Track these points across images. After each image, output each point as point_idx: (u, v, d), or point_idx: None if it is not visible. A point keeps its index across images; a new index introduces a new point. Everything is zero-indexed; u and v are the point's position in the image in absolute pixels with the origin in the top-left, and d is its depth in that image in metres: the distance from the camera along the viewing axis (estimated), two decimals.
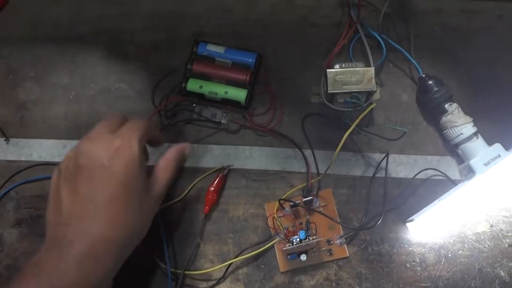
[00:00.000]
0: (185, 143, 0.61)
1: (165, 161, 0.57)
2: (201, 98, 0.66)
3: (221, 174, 0.64)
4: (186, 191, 0.64)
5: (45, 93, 0.69)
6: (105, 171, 0.49)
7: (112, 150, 0.50)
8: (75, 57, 0.70)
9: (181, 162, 0.59)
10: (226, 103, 0.66)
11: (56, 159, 0.66)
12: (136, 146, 0.51)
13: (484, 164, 0.60)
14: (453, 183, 0.64)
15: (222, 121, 0.66)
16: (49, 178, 0.64)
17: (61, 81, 0.69)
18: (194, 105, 0.66)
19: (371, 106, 0.57)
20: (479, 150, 0.61)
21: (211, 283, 0.62)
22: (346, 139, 0.59)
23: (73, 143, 0.66)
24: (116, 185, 0.49)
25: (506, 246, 0.62)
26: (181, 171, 0.65)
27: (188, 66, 0.66)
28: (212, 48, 0.67)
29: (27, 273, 0.47)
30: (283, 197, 0.62)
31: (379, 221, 0.60)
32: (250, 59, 0.66)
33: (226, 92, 0.65)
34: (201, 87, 0.65)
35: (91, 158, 0.50)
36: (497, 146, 0.61)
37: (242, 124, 0.66)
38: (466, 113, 0.62)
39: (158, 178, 0.55)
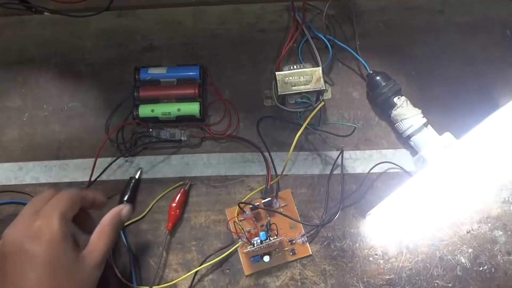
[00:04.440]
0: (122, 205, 0.57)
1: (100, 228, 0.54)
2: (156, 121, 0.67)
3: (182, 190, 0.64)
4: (147, 210, 0.64)
5: None
6: (28, 256, 0.48)
7: (32, 233, 0.49)
8: (27, 79, 0.70)
9: (118, 225, 0.56)
10: (182, 120, 0.67)
11: (13, 182, 0.66)
12: (56, 223, 0.49)
13: (436, 154, 0.62)
14: (409, 174, 0.65)
15: (182, 138, 0.66)
16: (5, 203, 0.64)
17: (14, 104, 0.69)
18: (151, 129, 0.66)
19: (320, 105, 0.58)
20: (430, 140, 0.63)
21: None
22: (301, 139, 0.61)
23: (29, 165, 0.66)
24: (41, 269, 0.48)
25: (465, 232, 0.63)
26: (139, 186, 0.65)
27: (135, 94, 0.66)
28: (154, 71, 0.67)
29: None
30: (242, 201, 0.62)
31: (336, 217, 0.61)
32: (193, 72, 0.67)
33: (179, 110, 0.65)
34: (152, 110, 0.65)
35: (12, 245, 0.49)
36: (447, 135, 0.63)
37: (203, 136, 0.67)
38: (415, 105, 0.64)
39: (94, 247, 0.53)
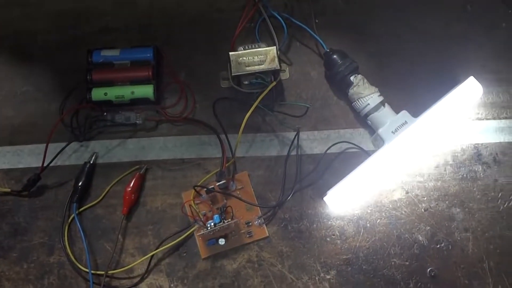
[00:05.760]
0: None
1: None
2: (110, 105, 0.65)
3: (137, 174, 0.63)
4: (103, 194, 0.63)
5: None
6: None
7: None
8: None
9: None
10: (136, 103, 0.66)
11: None
12: None
13: (392, 132, 0.61)
14: (367, 154, 0.64)
15: (138, 121, 0.65)
16: None
17: None
18: (105, 113, 0.65)
19: (271, 85, 0.57)
20: (386, 118, 0.62)
21: (134, 281, 0.61)
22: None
23: None
24: None
25: (422, 210, 0.63)
26: (95, 171, 0.64)
27: (88, 77, 0.65)
28: (107, 53, 0.66)
29: None
30: (198, 184, 0.61)
31: (289, 198, 0.61)
32: (147, 54, 0.66)
33: (132, 92, 0.64)
34: (106, 94, 0.64)
35: None
36: (404, 114, 0.62)
37: (159, 119, 0.66)
38: (373, 83, 0.63)
39: None
